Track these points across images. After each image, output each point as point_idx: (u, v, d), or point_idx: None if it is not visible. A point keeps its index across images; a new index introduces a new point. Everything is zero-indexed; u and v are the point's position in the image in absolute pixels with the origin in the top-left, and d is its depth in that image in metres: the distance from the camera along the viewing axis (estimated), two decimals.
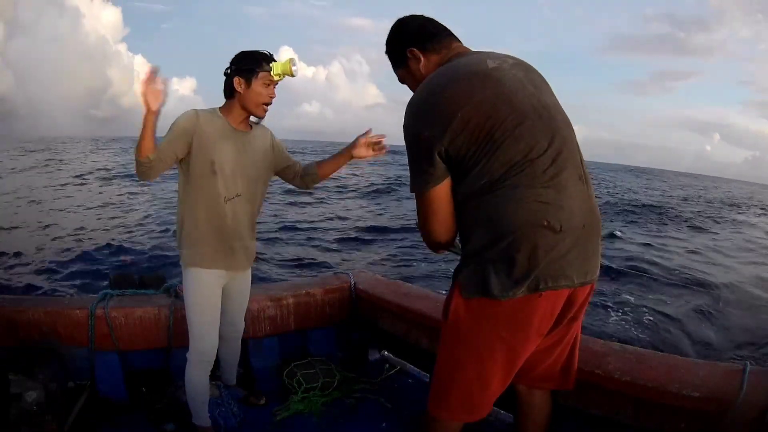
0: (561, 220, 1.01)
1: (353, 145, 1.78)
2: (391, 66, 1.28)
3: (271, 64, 1.58)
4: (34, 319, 1.95)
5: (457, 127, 1.01)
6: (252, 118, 1.69)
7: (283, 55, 1.61)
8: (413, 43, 1.20)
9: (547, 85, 1.16)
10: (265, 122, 1.77)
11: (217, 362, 1.90)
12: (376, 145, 1.77)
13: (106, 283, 2.31)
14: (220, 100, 1.69)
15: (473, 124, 1.01)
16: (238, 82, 1.58)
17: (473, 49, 1.21)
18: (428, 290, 2.40)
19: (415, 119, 1.07)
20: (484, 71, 1.06)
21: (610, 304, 5.49)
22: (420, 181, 1.09)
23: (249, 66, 1.58)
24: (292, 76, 1.60)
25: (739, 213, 20.81)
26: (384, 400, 2.04)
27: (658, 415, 1.35)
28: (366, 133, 1.77)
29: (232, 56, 1.62)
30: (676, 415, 1.31)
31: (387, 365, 2.32)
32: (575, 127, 1.15)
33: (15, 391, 1.59)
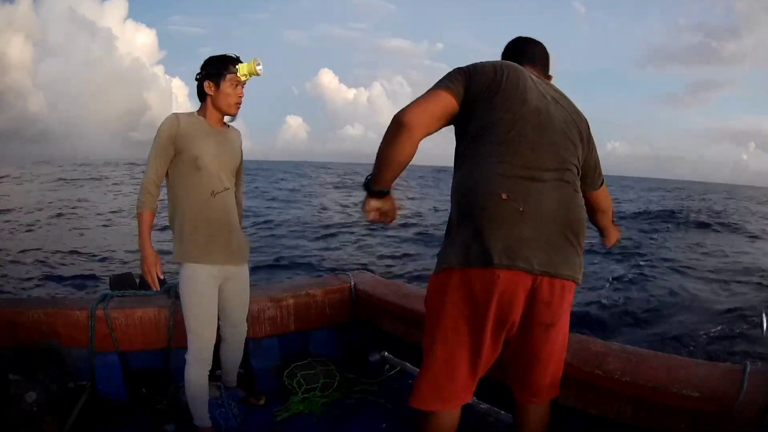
0: (524, 203, 1.07)
1: None
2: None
3: (237, 66, 1.66)
4: (34, 319, 1.95)
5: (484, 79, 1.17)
6: (226, 118, 1.77)
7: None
8: None
9: None
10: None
11: (219, 363, 1.90)
12: None
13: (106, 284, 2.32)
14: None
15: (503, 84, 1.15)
16: (208, 86, 1.67)
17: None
18: None
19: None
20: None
21: None
22: (440, 83, 1.19)
23: (217, 70, 1.66)
24: (258, 75, 1.68)
25: None
26: (384, 400, 2.04)
27: (658, 415, 1.35)
28: None
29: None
30: (676, 415, 1.31)
31: (387, 366, 2.32)
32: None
33: (15, 392, 1.59)
